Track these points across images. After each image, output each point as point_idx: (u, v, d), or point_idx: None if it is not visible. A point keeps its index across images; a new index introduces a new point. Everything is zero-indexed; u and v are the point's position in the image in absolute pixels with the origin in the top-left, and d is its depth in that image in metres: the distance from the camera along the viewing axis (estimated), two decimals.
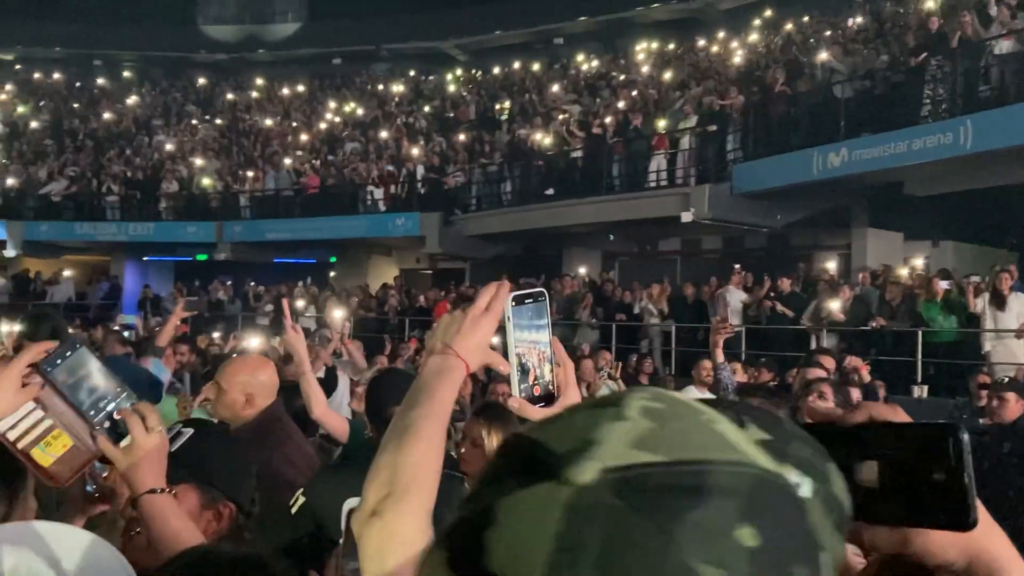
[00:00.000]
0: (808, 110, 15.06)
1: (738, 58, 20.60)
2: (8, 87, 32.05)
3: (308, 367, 3.80)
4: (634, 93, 19.69)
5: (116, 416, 1.55)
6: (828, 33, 19.06)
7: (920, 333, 11.02)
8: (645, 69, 23.06)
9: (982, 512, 0.79)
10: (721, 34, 24.00)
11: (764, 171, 14.60)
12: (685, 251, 19.35)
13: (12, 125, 29.70)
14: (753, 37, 22.74)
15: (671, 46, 25.50)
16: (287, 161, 24.36)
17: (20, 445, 1.51)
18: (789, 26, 22.04)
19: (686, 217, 14.80)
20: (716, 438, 0.57)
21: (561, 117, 20.49)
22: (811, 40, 19.06)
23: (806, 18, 21.90)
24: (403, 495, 1.03)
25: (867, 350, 11.02)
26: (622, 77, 22.94)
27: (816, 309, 12.34)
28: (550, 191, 18.08)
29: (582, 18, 27.77)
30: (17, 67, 33.00)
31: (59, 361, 1.55)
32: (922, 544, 0.77)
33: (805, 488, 0.58)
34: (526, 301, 1.28)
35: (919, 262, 14.83)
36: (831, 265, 14.92)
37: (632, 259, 20.17)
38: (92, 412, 1.55)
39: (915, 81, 13.40)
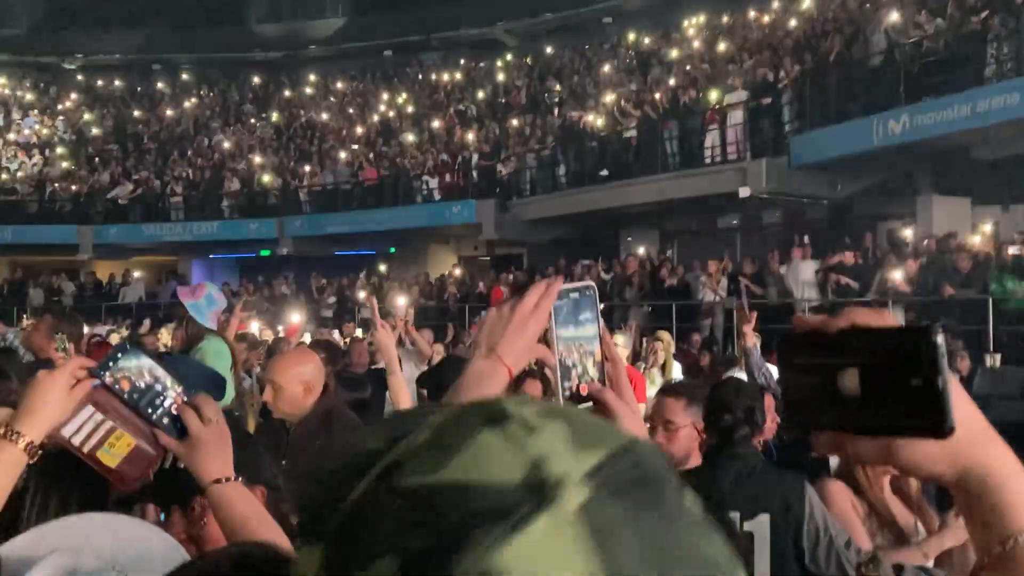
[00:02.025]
0: (866, 77, 14.70)
1: (792, 27, 20.17)
2: (73, 96, 33.01)
3: (396, 366, 3.88)
4: (687, 68, 19.42)
5: (174, 411, 1.57)
6: None
7: (991, 300, 10.73)
8: (696, 44, 22.72)
9: (978, 423, 0.76)
10: (775, 3, 23.50)
11: (823, 141, 14.31)
12: (745, 226, 19.08)
13: (78, 132, 30.61)
14: (807, 5, 22.22)
15: (723, 19, 25.05)
16: (343, 155, 24.66)
17: (85, 449, 1.53)
18: None
19: (744, 192, 14.61)
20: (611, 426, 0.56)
21: (612, 97, 20.34)
22: (867, 5, 18.55)
23: None
24: None
25: (937, 320, 10.77)
26: (673, 53, 22.65)
27: (881, 280, 12.09)
28: (605, 172, 17.99)
29: None
30: (80, 76, 33.94)
31: (111, 363, 1.57)
32: (907, 455, 0.74)
33: None
34: (571, 295, 1.26)
35: (988, 227, 14.41)
36: (902, 233, 14.58)
37: (691, 237, 19.97)
38: (150, 410, 1.57)
39: (977, 41, 12.98)
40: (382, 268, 22.79)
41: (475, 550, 0.45)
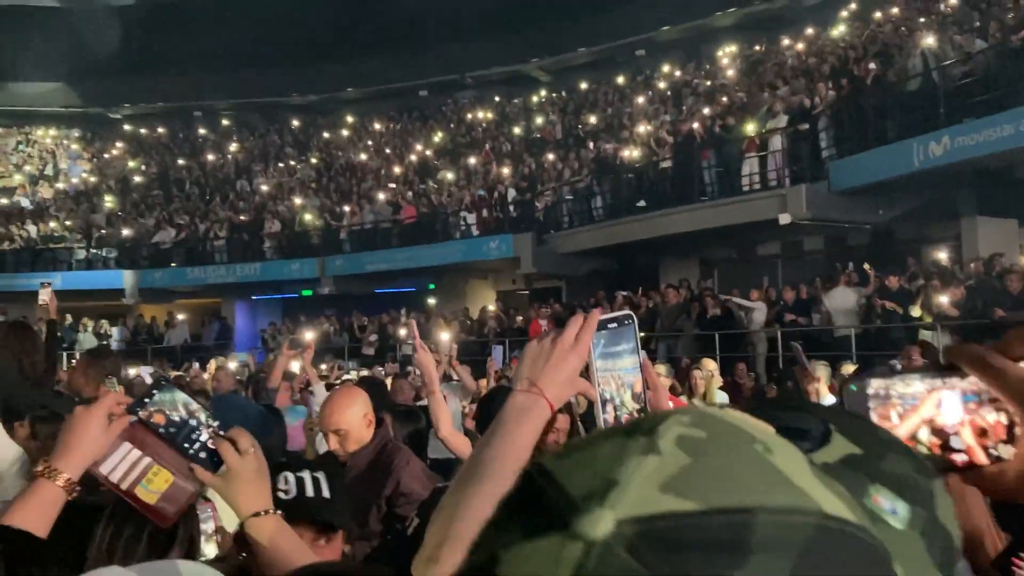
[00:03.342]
0: (904, 100, 14.57)
1: (826, 53, 20.11)
2: (118, 144, 33.85)
3: (437, 387, 3.86)
4: (723, 99, 19.41)
5: (210, 445, 1.56)
6: (922, 19, 18.43)
7: None
8: (730, 73, 22.73)
9: None
10: (808, 30, 23.49)
11: (862, 166, 14.18)
12: (786, 253, 18.90)
13: (123, 179, 31.34)
14: (841, 30, 22.18)
15: (756, 47, 25.10)
16: (381, 194, 24.93)
17: (124, 486, 1.52)
18: (878, 15, 21.41)
19: (784, 219, 14.48)
20: (767, 475, 0.46)
21: (647, 128, 20.37)
22: (902, 28, 18.46)
23: (895, 8, 21.19)
24: (460, 543, 0.98)
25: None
26: (707, 83, 22.68)
27: (927, 304, 11.86)
28: (642, 203, 17.96)
29: (664, 28, 27.60)
30: (124, 125, 34.82)
31: (147, 399, 1.57)
32: None
33: (900, 514, 0.49)
34: (609, 326, 1.24)
35: None
36: (941, 257, 14.34)
37: (731, 265, 19.82)
38: (186, 444, 1.55)
39: (1019, 60, 12.81)
40: (430, 301, 22.90)
41: (488, 548, 0.46)
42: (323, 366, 13.61)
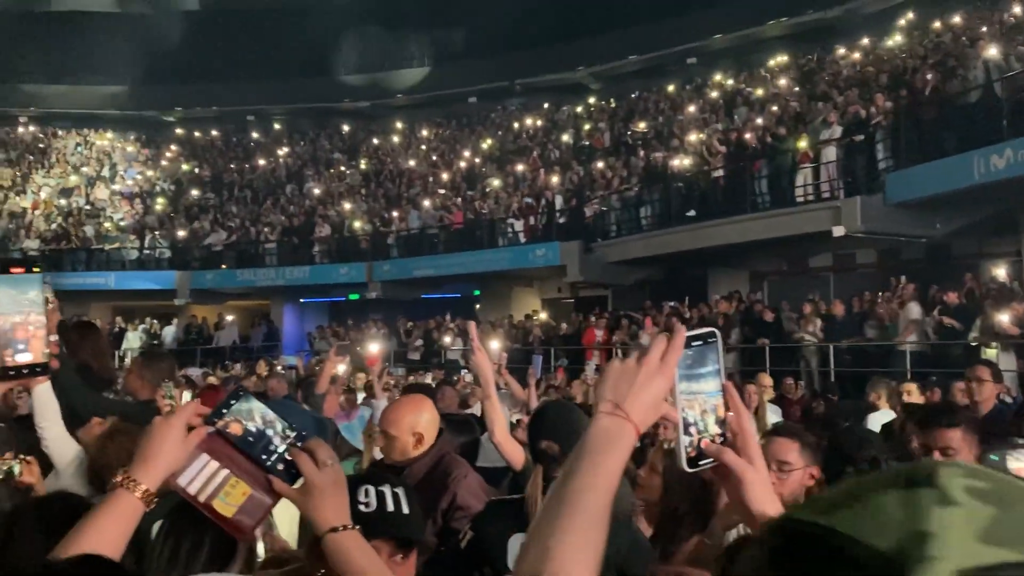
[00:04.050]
0: (964, 111, 14.25)
1: (883, 63, 19.78)
2: (172, 147, 34.49)
3: (493, 391, 3.82)
4: (774, 108, 19.19)
5: (288, 457, 1.53)
6: (984, 29, 18.03)
7: None
8: (783, 82, 22.47)
9: None
10: (863, 40, 23.12)
11: (920, 179, 13.87)
12: (838, 266, 18.59)
13: (177, 182, 31.92)
14: (897, 40, 21.79)
15: (809, 56, 24.78)
16: (429, 200, 25.05)
17: (201, 498, 1.50)
18: (938, 24, 21.00)
19: (838, 231, 14.22)
20: None
21: (696, 137, 20.20)
22: (963, 38, 18.07)
23: (957, 17, 20.76)
24: None
25: None
26: (759, 92, 22.43)
27: (986, 323, 11.56)
28: (691, 212, 17.80)
29: (716, 36, 27.38)
30: (178, 128, 35.47)
31: (224, 410, 1.54)
32: None
33: None
34: (693, 344, 1.18)
35: None
36: (999, 273, 13.97)
37: (782, 277, 19.55)
38: (264, 456, 1.53)
39: None
40: (466, 311, 22.94)
41: None
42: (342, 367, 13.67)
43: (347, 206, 26.30)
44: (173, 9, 33.73)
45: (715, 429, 1.18)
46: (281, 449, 1.54)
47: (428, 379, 11.93)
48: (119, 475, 1.46)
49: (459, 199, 24.71)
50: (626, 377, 1.14)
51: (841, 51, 23.37)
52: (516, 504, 2.86)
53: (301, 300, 26.72)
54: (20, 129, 35.28)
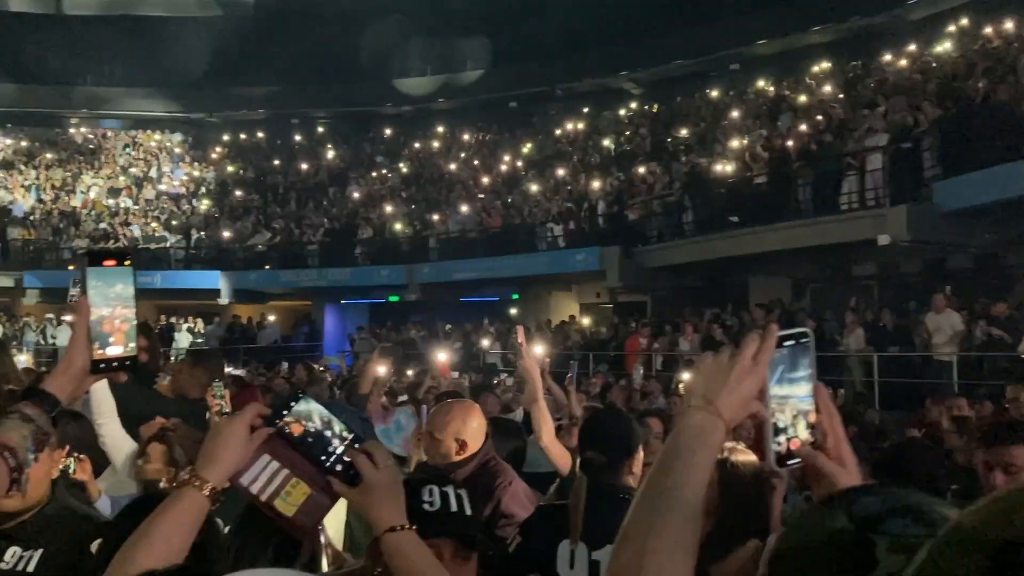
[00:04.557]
0: (1015, 119, 13.98)
1: (931, 70, 19.49)
2: (217, 149, 35.02)
3: (541, 395, 3.83)
4: (820, 116, 19.00)
5: (346, 458, 1.55)
6: None
7: None
8: (828, 89, 22.23)
9: None
10: (911, 47, 22.81)
11: (969, 187, 13.63)
12: (882, 275, 18.34)
13: (222, 183, 32.40)
14: (946, 47, 21.46)
15: (854, 63, 24.50)
16: (469, 204, 25.14)
17: (263, 497, 1.52)
18: (988, 30, 20.64)
19: (883, 239, 14.03)
20: None
21: (738, 143, 20.06)
22: (1014, 45, 17.75)
23: (1008, 24, 20.38)
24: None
25: None
26: (803, 98, 22.22)
27: None
28: (734, 219, 17.67)
29: (760, 42, 27.16)
30: (224, 130, 35.99)
31: (285, 411, 1.57)
32: None
33: None
34: (785, 344, 1.17)
35: None
36: None
37: (824, 285, 19.33)
38: (323, 457, 1.55)
39: None
40: (504, 314, 22.98)
41: None
42: (409, 372, 13.80)
43: (388, 209, 26.49)
44: (218, 13, 34.24)
45: (805, 435, 1.18)
46: (340, 450, 1.56)
47: (465, 382, 11.95)
48: (186, 473, 1.50)
49: (499, 203, 24.77)
50: (719, 374, 1.15)
51: (887, 57, 23.07)
52: (566, 510, 2.87)
53: (342, 301, 26.96)
54: (71, 130, 36.04)
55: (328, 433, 1.57)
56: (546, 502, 3.69)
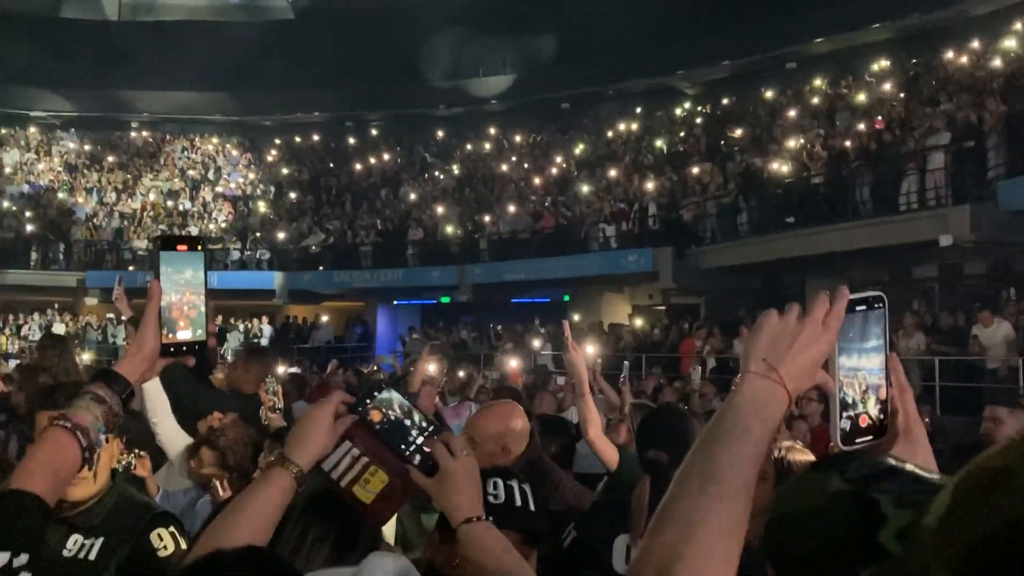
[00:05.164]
0: None
1: (996, 66, 18.98)
2: (273, 152, 35.57)
3: (587, 389, 3.77)
4: (880, 114, 18.63)
5: (425, 448, 1.57)
6: None
7: None
8: (887, 87, 21.79)
9: None
10: (974, 43, 22.24)
11: None
12: (944, 277, 17.90)
13: (277, 185, 32.90)
14: (1011, 43, 20.88)
15: (915, 60, 23.97)
16: (521, 205, 25.15)
17: (343, 484, 1.56)
18: None
19: (945, 240, 13.70)
20: None
21: (795, 143, 19.75)
22: None
23: None
24: (704, 560, 0.88)
25: None
26: (862, 97, 21.80)
27: None
28: (791, 219, 17.40)
29: (816, 40, 26.72)
30: (279, 133, 36.55)
31: (368, 400, 1.60)
32: None
33: None
34: (857, 308, 1.06)
35: None
36: None
37: (883, 287, 18.89)
38: (403, 446, 1.57)
39: None
40: (555, 316, 22.91)
41: None
42: (460, 373, 13.83)
43: (440, 210, 26.64)
44: (275, 18, 34.77)
45: (876, 413, 1.07)
46: (419, 440, 1.58)
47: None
48: (275, 454, 1.54)
49: (550, 204, 24.73)
50: (785, 335, 1.02)
51: (948, 55, 22.53)
52: (621, 505, 2.84)
53: (394, 302, 27.16)
54: (132, 134, 36.91)
55: (408, 423, 1.60)
56: (597, 498, 3.66)
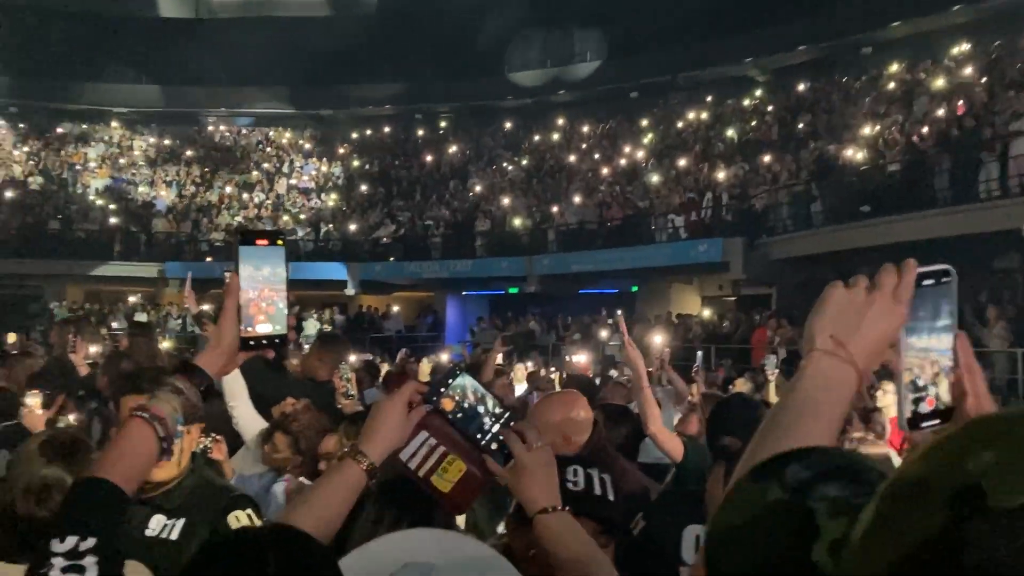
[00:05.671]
0: None
1: None
2: (345, 144, 36.11)
3: (646, 382, 3.76)
4: (959, 102, 18.04)
5: (500, 437, 1.56)
6: None
7: None
8: (968, 71, 21.05)
9: None
10: None
11: None
12: None
13: (349, 177, 33.41)
14: None
15: (998, 43, 23.09)
16: (589, 195, 25.05)
17: (420, 473, 1.55)
18: None
19: None
20: None
21: (869, 130, 19.25)
22: None
23: None
24: None
25: None
26: (940, 82, 21.12)
27: None
28: (866, 208, 16.99)
29: (893, 24, 25.95)
30: (351, 126, 37.07)
31: (443, 389, 1.58)
32: None
33: None
34: (924, 283, 1.02)
35: None
36: None
37: (963, 278, 18.25)
38: (479, 435, 1.56)
39: None
40: (623, 307, 22.75)
41: None
42: (529, 363, 13.88)
43: (507, 201, 26.71)
44: (345, 14, 35.22)
45: (943, 386, 1.02)
46: (495, 429, 1.57)
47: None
48: (347, 447, 1.55)
49: (619, 194, 24.57)
50: (853, 309, 0.98)
51: None
52: (691, 495, 2.84)
53: (463, 292, 27.35)
54: (209, 128, 37.87)
55: (481, 410, 1.58)
56: (664, 489, 3.66)
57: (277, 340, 1.59)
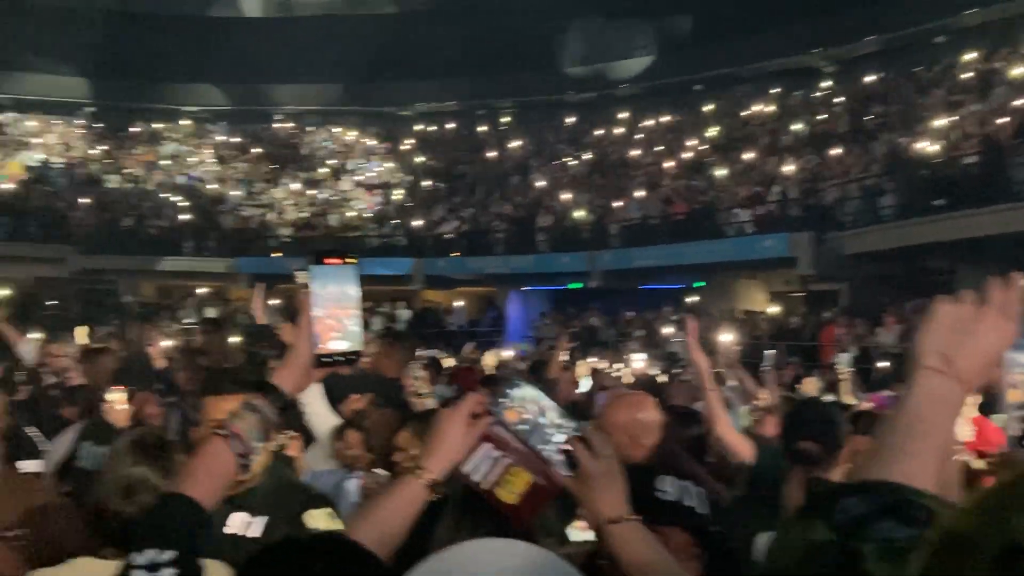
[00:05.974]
0: None
1: None
2: (409, 140, 36.44)
3: (712, 384, 3.72)
4: None
5: (565, 446, 1.53)
6: None
7: None
8: None
9: None
10: None
11: None
12: None
13: (413, 173, 33.70)
14: None
15: None
16: (653, 189, 24.84)
17: (485, 486, 1.54)
18: None
19: None
20: None
21: (944, 122, 18.70)
22: None
23: None
24: None
25: None
26: (1020, 70, 20.41)
27: None
28: (940, 202, 16.52)
29: (968, 11, 25.12)
30: (414, 122, 37.38)
31: (503, 399, 1.57)
32: None
33: None
34: None
35: None
36: None
37: None
38: (542, 445, 1.53)
39: None
40: (696, 299, 22.52)
41: None
42: (593, 359, 13.84)
43: (569, 196, 26.63)
44: (409, 10, 35.46)
45: None
46: (558, 438, 1.54)
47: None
48: (409, 463, 1.58)
49: (683, 187, 24.31)
50: (961, 325, 0.96)
51: None
52: (764, 501, 2.79)
53: (524, 288, 27.38)
54: (275, 126, 38.55)
55: (544, 420, 1.56)
56: (737, 492, 3.61)
57: (352, 356, 1.62)
